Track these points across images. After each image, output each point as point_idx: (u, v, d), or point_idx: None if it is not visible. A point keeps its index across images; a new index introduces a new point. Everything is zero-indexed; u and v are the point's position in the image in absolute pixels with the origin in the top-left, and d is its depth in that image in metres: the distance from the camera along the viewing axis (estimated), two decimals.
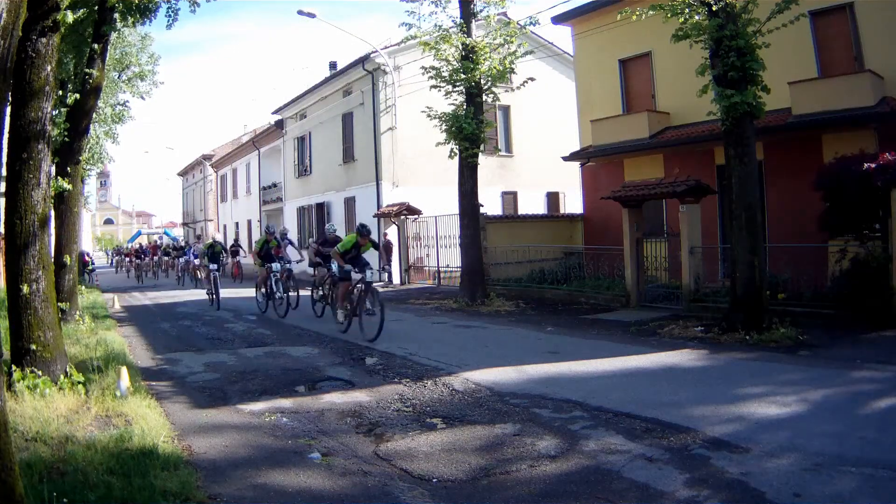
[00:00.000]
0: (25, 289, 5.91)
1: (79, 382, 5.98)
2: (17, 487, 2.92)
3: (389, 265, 14.48)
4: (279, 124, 31.13)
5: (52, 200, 8.08)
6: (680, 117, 15.38)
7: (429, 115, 14.50)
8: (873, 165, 9.22)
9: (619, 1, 15.05)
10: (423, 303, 14.89)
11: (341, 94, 24.83)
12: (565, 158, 18.39)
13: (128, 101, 18.42)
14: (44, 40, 5.98)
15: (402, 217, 20.19)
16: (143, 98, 17.76)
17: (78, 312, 10.89)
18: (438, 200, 18.82)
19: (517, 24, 14.81)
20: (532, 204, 23.27)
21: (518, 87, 14.81)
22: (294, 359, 8.42)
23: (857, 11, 12.42)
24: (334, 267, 11.04)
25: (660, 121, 15.86)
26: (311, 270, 13.71)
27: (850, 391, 5.88)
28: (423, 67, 14.75)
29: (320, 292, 12.46)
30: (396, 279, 20.49)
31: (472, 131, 14.00)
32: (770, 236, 12.33)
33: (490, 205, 19.09)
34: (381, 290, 19.09)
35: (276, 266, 12.97)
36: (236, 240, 31.26)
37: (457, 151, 14.36)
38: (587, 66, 18.24)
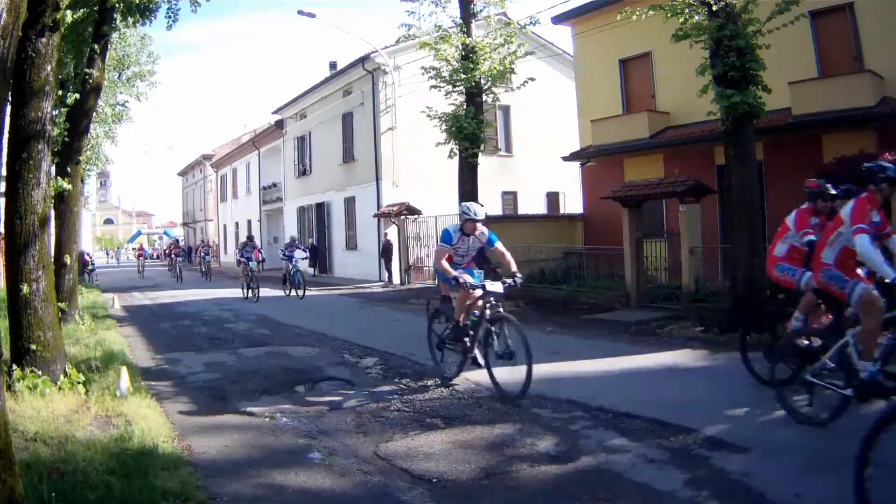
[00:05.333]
0: (25, 289, 5.91)
1: (79, 382, 5.98)
2: (17, 487, 2.92)
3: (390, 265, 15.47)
4: (279, 124, 31.13)
5: (52, 200, 8.07)
6: (680, 117, 15.37)
7: (429, 115, 14.49)
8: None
9: (619, 1, 15.04)
10: (423, 303, 14.86)
11: (341, 93, 24.83)
12: (565, 158, 18.39)
13: (127, 102, 18.34)
14: (44, 40, 5.98)
15: (402, 217, 20.19)
16: (139, 100, 17.72)
17: (78, 312, 10.88)
18: (438, 200, 18.80)
19: (517, 24, 14.80)
20: (532, 204, 23.26)
21: (518, 88, 14.79)
22: (294, 359, 8.42)
23: (857, 11, 12.42)
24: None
25: (660, 121, 15.86)
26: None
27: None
28: (423, 67, 14.74)
29: None
30: (396, 279, 20.49)
31: (472, 131, 13.99)
32: (770, 236, 12.31)
33: (490, 205, 19.03)
34: (380, 290, 19.13)
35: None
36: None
37: (457, 151, 14.36)
38: (587, 66, 18.23)
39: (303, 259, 19.45)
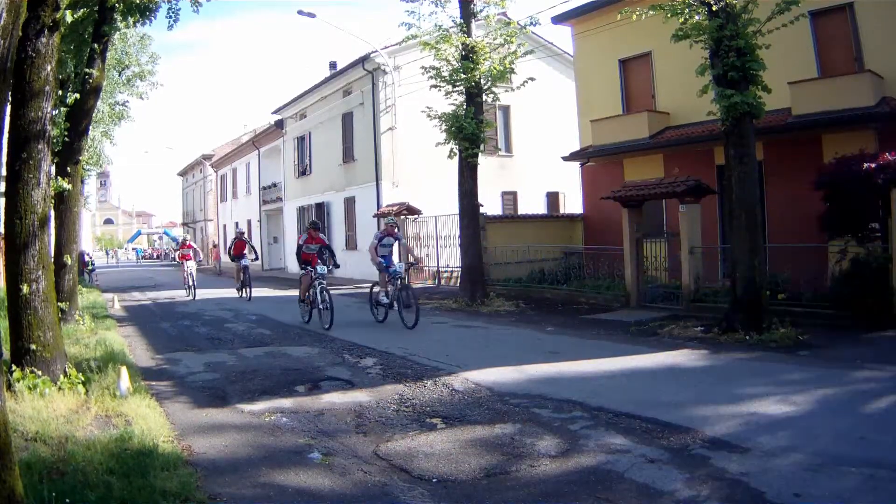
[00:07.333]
0: (25, 289, 5.91)
1: (79, 382, 5.99)
2: (17, 487, 2.92)
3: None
4: (279, 124, 31.12)
5: (52, 200, 8.07)
6: (680, 117, 15.37)
7: (429, 115, 14.49)
8: (873, 165, 9.22)
9: (619, 1, 15.05)
10: (423, 303, 14.81)
11: (341, 93, 24.83)
12: (565, 158, 18.39)
13: (127, 102, 18.31)
14: (44, 40, 5.98)
15: (402, 217, 20.18)
16: (141, 98, 17.69)
17: (78, 312, 10.89)
18: (438, 200, 18.81)
19: (517, 24, 14.80)
20: (532, 204, 23.26)
21: (518, 87, 14.79)
22: (294, 359, 8.42)
23: (857, 11, 12.41)
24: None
25: (660, 121, 15.85)
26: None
27: (850, 391, 5.88)
28: (423, 67, 14.74)
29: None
30: None
31: (472, 131, 13.99)
32: (770, 236, 12.33)
33: (490, 205, 19.08)
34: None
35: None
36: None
37: (457, 151, 14.36)
38: (587, 66, 18.23)
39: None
